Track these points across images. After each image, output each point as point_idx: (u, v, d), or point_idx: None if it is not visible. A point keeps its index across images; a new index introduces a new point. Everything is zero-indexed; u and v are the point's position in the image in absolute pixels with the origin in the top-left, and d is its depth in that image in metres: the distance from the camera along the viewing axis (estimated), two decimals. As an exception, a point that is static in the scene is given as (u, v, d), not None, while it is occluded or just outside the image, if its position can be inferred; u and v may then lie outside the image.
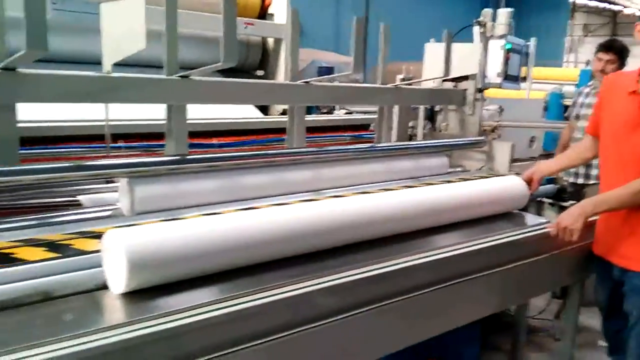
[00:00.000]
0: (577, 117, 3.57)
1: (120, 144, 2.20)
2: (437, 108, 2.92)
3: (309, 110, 3.70)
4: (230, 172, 1.81)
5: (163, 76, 1.74)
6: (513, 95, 5.70)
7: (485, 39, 2.76)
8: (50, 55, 1.38)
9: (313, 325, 1.24)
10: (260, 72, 3.92)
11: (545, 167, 2.20)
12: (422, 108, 2.86)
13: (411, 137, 2.92)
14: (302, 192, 1.94)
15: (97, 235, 1.38)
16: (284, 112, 3.71)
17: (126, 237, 1.12)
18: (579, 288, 2.17)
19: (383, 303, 1.38)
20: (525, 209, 2.17)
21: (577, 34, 15.88)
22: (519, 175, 2.16)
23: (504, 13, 2.88)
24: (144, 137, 2.32)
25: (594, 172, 3.30)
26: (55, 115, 2.15)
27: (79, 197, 1.74)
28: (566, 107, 5.14)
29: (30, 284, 1.12)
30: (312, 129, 2.55)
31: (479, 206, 1.90)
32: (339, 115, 3.51)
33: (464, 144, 2.63)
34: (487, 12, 2.83)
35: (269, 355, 1.16)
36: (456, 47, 2.59)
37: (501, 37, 2.92)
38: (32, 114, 1.81)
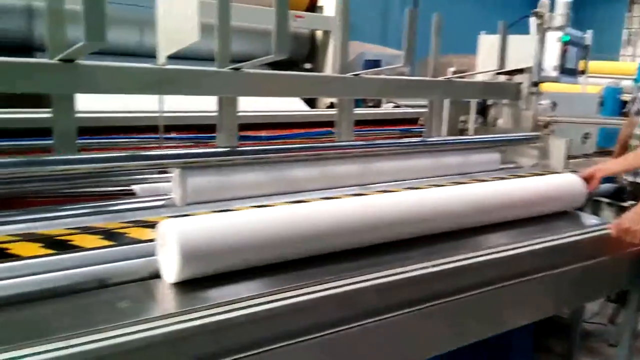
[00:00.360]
0: (638, 113, 3.40)
1: (173, 135, 2.23)
2: (489, 102, 2.84)
3: (356, 104, 3.67)
4: (279, 164, 1.81)
5: (215, 68, 1.75)
6: (566, 89, 5.49)
7: (542, 31, 2.67)
8: (106, 48, 1.40)
9: (362, 322, 1.22)
10: (308, 65, 3.91)
11: (609, 165, 2.10)
12: (474, 102, 2.78)
13: (461, 132, 2.86)
14: (350, 186, 1.93)
15: (152, 225, 1.40)
16: (331, 105, 3.70)
17: (180, 228, 1.13)
18: (638, 292, 2.08)
19: (434, 303, 1.35)
20: (581, 208, 2.09)
21: (635, 26, 15.17)
22: (576, 173, 2.08)
23: (562, 3, 2.77)
24: (195, 129, 2.35)
25: (656, 171, 3.14)
26: (110, 107, 2.20)
27: (133, 187, 1.78)
28: (624, 103, 4.92)
29: (87, 271, 1.15)
30: (360, 123, 2.52)
31: (534, 204, 1.84)
32: (387, 109, 3.46)
33: (517, 140, 2.55)
34: (545, 2, 2.72)
35: (319, 350, 1.15)
36: (511, 39, 2.51)
37: (559, 28, 2.81)
38: (88, 105, 1.84)
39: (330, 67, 3.83)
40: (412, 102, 3.45)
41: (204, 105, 2.20)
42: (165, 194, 1.70)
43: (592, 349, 2.91)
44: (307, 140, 2.66)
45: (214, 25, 1.70)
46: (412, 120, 3.28)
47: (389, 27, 10.95)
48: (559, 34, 2.82)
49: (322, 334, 1.14)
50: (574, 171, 2.16)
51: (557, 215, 1.93)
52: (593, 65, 7.89)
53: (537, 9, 2.66)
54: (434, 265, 1.37)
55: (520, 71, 2.70)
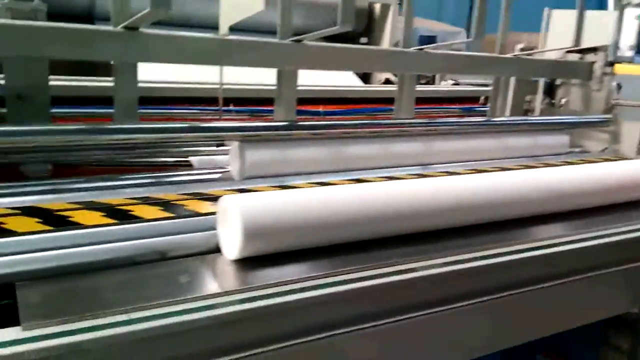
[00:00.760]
0: None
1: (231, 107, 2.20)
2: (557, 82, 2.69)
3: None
4: (338, 140, 1.76)
5: (277, 40, 1.70)
6: (631, 71, 5.17)
7: (621, 7, 2.48)
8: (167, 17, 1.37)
9: (422, 312, 1.16)
10: (364, 40, 3.80)
11: None
12: (541, 81, 2.63)
13: (526, 112, 2.71)
14: (410, 166, 1.86)
15: (210, 198, 1.39)
16: (386, 82, 3.60)
17: (243, 205, 1.10)
18: None
19: (500, 295, 1.27)
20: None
21: None
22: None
23: (644, -23, 2.57)
24: (254, 102, 2.31)
25: None
26: (166, 77, 2.19)
27: (190, 158, 1.76)
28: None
29: (147, 242, 1.13)
30: (417, 100, 2.42)
31: (609, 192, 1.71)
32: (446, 86, 3.33)
33: (589, 122, 2.40)
34: (626, -25, 2.53)
35: (382, 338, 1.11)
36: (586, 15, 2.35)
37: (638, 5, 2.62)
38: (146, 75, 1.83)
39: (387, 41, 3.71)
40: (472, 80, 3.31)
41: (261, 78, 2.17)
42: (222, 167, 1.68)
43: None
44: (365, 116, 2.58)
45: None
46: (472, 99, 3.15)
47: (444, 1, 10.62)
48: (637, 11, 2.63)
49: (387, 321, 1.09)
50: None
51: (633, 204, 1.80)
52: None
53: (618, -18, 2.48)
54: (501, 254, 1.29)
55: (593, 50, 2.53)
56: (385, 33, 3.71)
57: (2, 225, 1.09)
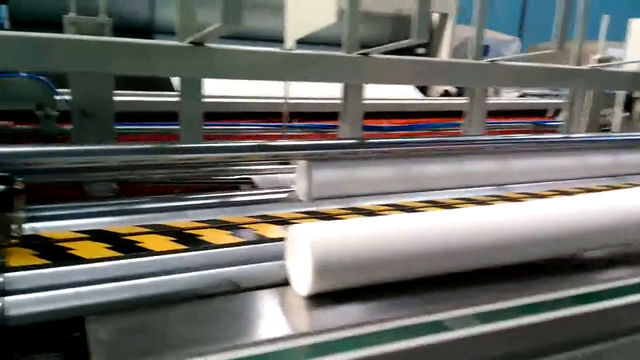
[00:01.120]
0: None
1: (296, 122, 2.14)
2: (635, 95, 2.51)
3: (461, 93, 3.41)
4: (406, 158, 1.66)
5: (343, 53, 1.63)
6: None
7: None
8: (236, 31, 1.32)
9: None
10: (421, 50, 3.69)
11: None
12: (620, 94, 2.46)
13: (600, 127, 2.54)
14: (484, 186, 1.74)
15: (279, 221, 1.31)
16: (445, 93, 3.47)
17: (315, 240, 0.99)
18: None
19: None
20: None
21: None
22: None
23: None
24: (318, 117, 2.24)
25: None
26: (229, 92, 2.14)
27: (253, 177, 1.70)
28: None
29: (220, 273, 1.06)
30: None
31: None
32: (512, 99, 3.17)
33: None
34: None
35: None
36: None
37: None
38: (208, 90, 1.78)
39: (445, 52, 3.59)
40: (539, 91, 3.14)
41: (325, 92, 2.09)
42: (287, 187, 1.61)
43: None
44: (433, 131, 2.47)
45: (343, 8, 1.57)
46: (539, 112, 2.99)
47: (495, 10, 10.36)
48: None
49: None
50: None
51: None
52: None
53: None
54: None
55: (676, 61, 2.35)
56: (443, 43, 3.60)
57: (72, 252, 1.04)
